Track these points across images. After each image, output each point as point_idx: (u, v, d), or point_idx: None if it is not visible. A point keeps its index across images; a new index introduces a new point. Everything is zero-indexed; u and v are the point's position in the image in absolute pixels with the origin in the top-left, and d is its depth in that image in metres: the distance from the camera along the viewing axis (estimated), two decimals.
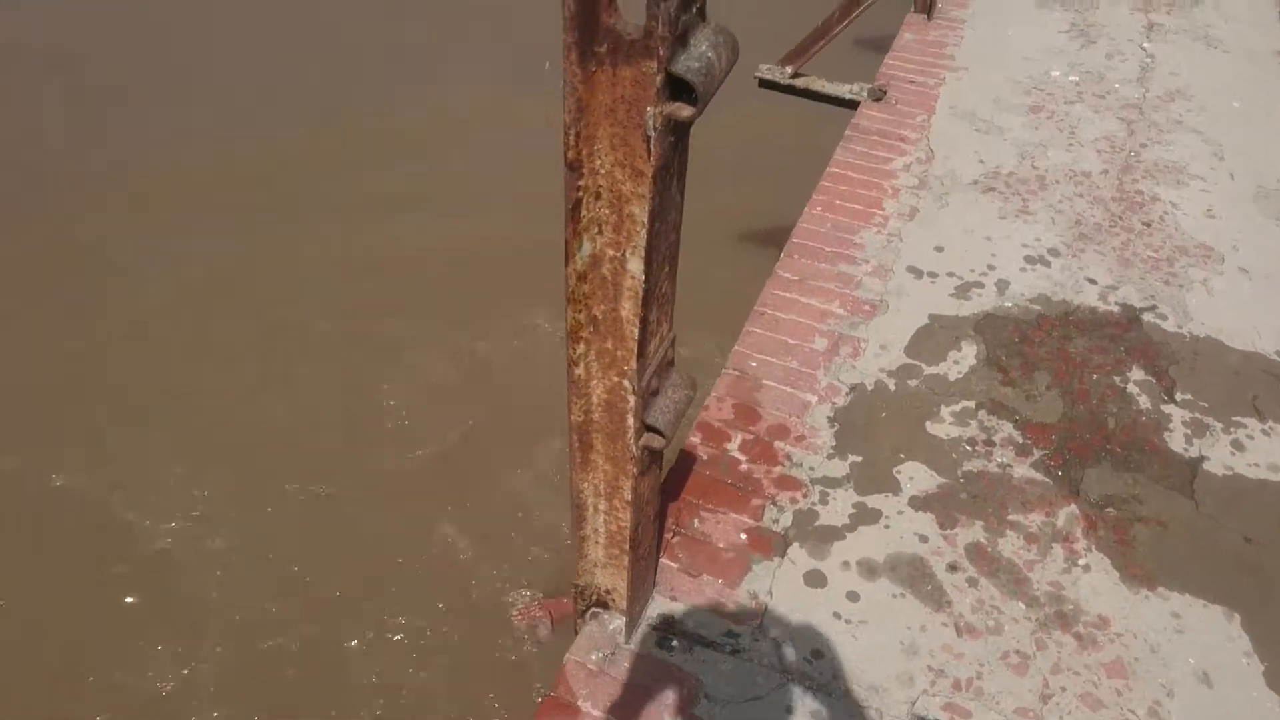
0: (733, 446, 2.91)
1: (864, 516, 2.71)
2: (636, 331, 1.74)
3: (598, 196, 1.59)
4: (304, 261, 5.68)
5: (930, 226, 3.77)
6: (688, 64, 1.34)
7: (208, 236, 5.78)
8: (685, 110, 1.38)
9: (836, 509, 2.73)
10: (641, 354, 1.75)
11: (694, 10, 1.35)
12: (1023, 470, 2.84)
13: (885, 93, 4.69)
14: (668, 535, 2.68)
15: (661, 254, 1.66)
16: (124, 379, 4.89)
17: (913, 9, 5.52)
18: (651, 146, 1.43)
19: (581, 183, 1.56)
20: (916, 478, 2.81)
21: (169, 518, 4.24)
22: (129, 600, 3.95)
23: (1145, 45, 5.26)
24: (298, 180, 6.30)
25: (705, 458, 2.88)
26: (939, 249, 3.66)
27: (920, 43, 5.17)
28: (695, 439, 2.93)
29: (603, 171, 1.55)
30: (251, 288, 5.49)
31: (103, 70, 7.36)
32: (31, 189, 6.09)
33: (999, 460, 2.86)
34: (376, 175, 6.39)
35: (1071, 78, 4.89)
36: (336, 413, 4.80)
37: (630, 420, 1.90)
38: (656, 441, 1.90)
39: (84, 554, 4.10)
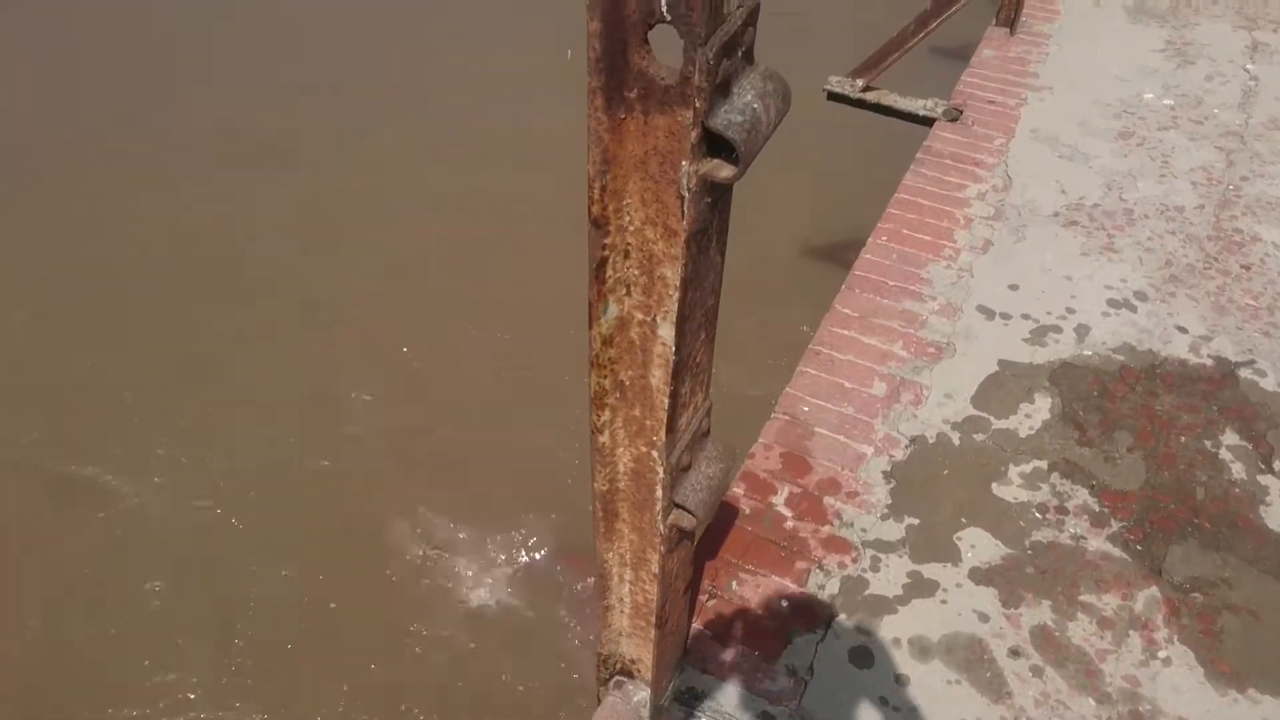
0: (779, 500, 2.70)
1: (919, 588, 2.47)
2: (666, 402, 1.54)
3: (626, 255, 1.40)
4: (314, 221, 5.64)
5: (1005, 262, 3.50)
6: (729, 118, 1.14)
7: (217, 201, 5.75)
8: (725, 170, 1.18)
9: (889, 577, 2.50)
10: (671, 428, 1.56)
11: (739, 54, 1.15)
12: (1098, 543, 2.57)
13: (961, 113, 4.41)
14: (703, 597, 2.48)
15: (697, 321, 1.46)
16: (127, 362, 4.89)
17: (994, 22, 5.21)
18: (686, 208, 1.24)
19: (608, 240, 1.37)
20: (979, 546, 2.57)
21: (176, 505, 4.23)
22: (141, 590, 3.89)
23: (1249, 67, 4.88)
24: (313, 141, 6.26)
25: (748, 511, 2.67)
26: (1013, 287, 3.39)
27: (1001, 59, 4.87)
28: (738, 490, 2.72)
29: (632, 229, 1.36)
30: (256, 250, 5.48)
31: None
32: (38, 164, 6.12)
33: (1072, 531, 2.60)
34: (396, 137, 6.30)
35: (1166, 101, 4.55)
36: (347, 385, 4.77)
37: (659, 493, 1.71)
38: (686, 520, 1.71)
39: (90, 541, 4.05)
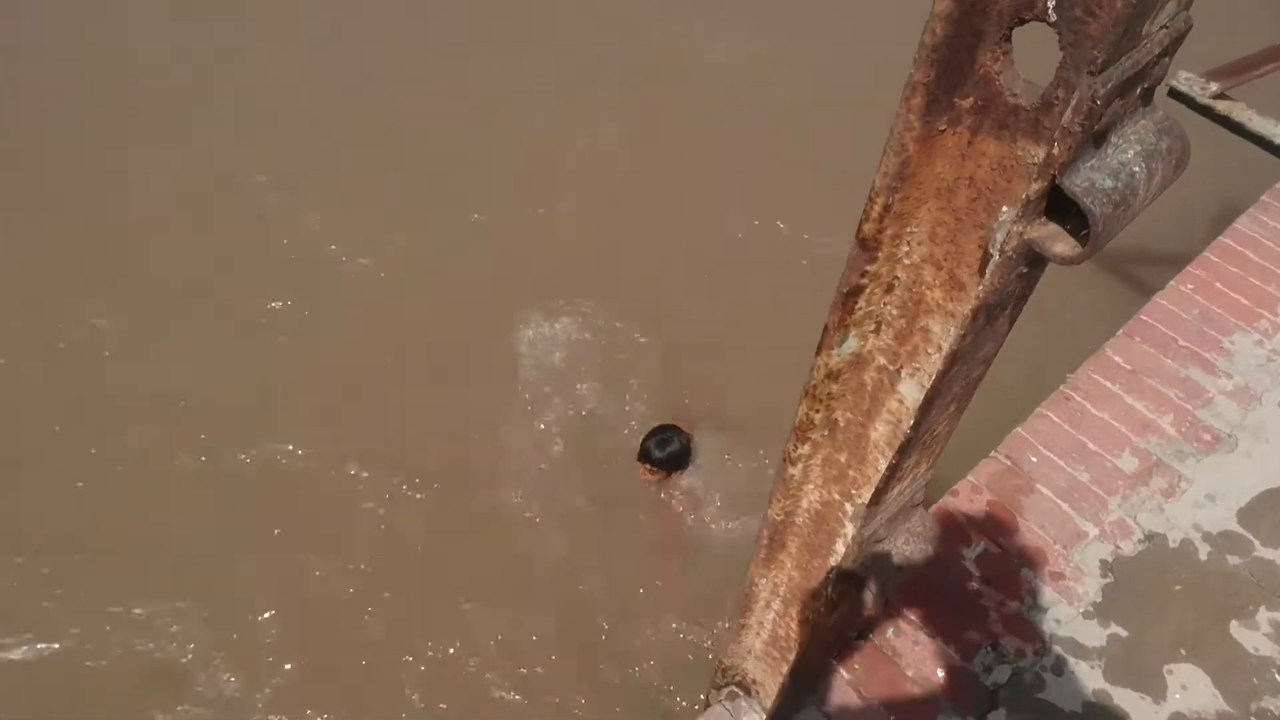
0: (970, 554, 2.36)
1: (1103, 713, 2.10)
2: (883, 465, 1.26)
3: (889, 290, 1.11)
4: None
5: None
6: (1093, 179, 0.81)
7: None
8: (1063, 244, 0.86)
9: (1071, 688, 2.14)
10: (878, 500, 1.28)
11: (1136, 92, 0.81)
12: None
13: None
14: (852, 632, 2.22)
15: (953, 393, 1.16)
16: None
17: None
18: (989, 272, 0.92)
19: (871, 268, 1.08)
20: (1192, 689, 2.15)
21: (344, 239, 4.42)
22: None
23: None
24: None
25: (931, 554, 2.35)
26: None
27: None
28: None
29: (906, 263, 1.07)
30: None
31: None
32: None
33: None
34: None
35: None
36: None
37: (839, 549, 1.45)
38: (862, 593, 1.44)
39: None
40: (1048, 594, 2.30)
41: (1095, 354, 2.82)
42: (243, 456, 3.58)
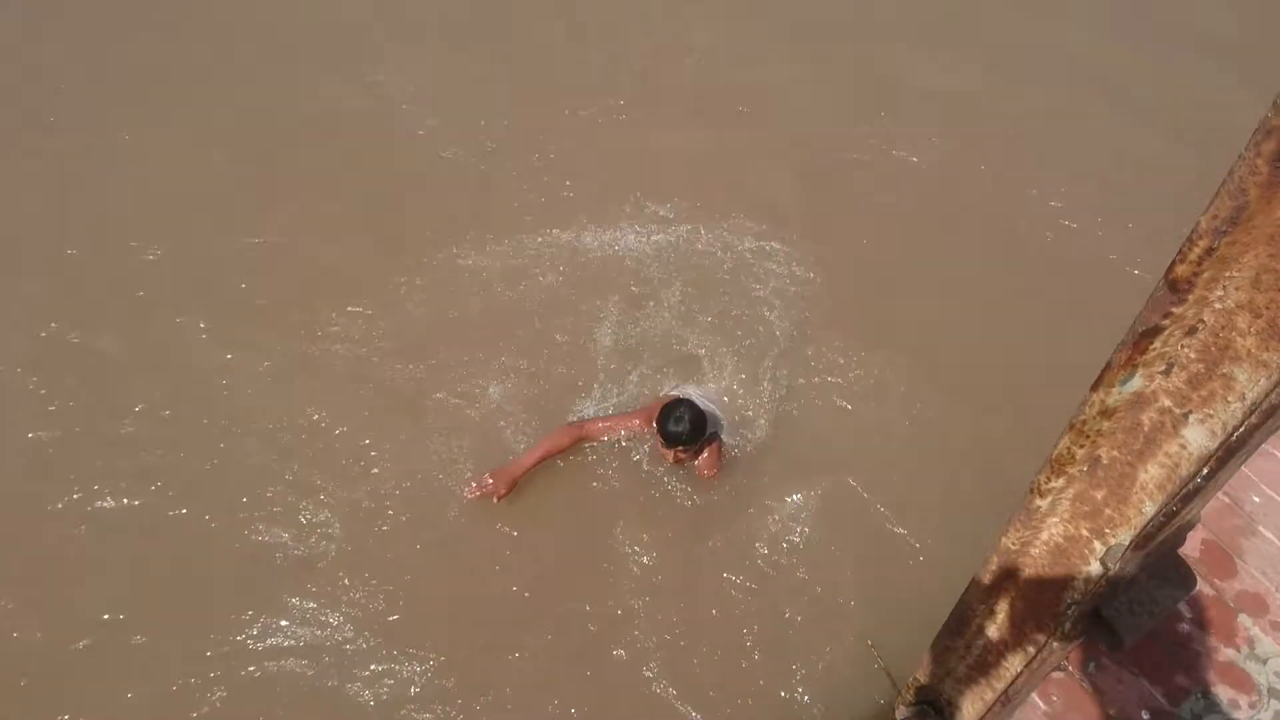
0: None
1: None
2: (1149, 508, 1.22)
3: (1190, 333, 1.07)
4: None
5: None
6: None
7: None
8: None
9: None
10: (1144, 544, 1.23)
11: None
12: None
13: None
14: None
15: (1250, 449, 1.11)
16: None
17: None
18: None
19: (1177, 310, 1.04)
20: None
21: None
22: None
23: None
24: None
25: None
26: None
27: None
28: None
29: (1217, 307, 1.02)
30: None
31: None
32: None
33: None
34: None
35: None
36: None
37: (1078, 583, 1.41)
38: (1106, 640, 1.40)
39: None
40: (1266, 644, 2.17)
41: None
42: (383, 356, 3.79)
